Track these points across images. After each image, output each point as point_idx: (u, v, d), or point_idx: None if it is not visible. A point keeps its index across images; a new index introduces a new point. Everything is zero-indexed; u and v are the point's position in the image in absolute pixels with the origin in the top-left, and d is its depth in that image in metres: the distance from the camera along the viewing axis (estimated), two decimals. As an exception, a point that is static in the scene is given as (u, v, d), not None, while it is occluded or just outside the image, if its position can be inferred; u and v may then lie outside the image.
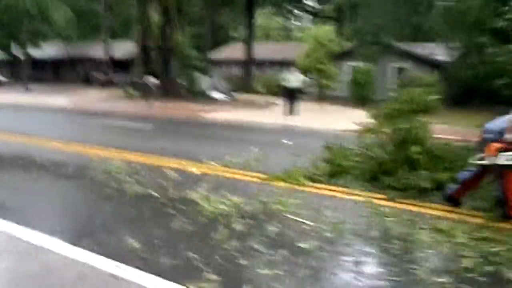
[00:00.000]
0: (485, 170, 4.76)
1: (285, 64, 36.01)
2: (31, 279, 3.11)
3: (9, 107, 17.83)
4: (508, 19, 21.09)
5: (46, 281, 3.08)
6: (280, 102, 23.47)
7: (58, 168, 6.66)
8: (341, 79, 28.12)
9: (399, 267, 3.49)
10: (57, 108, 18.28)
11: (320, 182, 5.92)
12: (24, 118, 14.43)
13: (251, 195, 5.21)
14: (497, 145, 4.46)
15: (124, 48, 37.16)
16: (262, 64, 37.25)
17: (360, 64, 26.30)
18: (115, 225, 4.19)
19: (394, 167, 5.61)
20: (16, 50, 36.73)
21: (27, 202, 5.01)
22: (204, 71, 28.85)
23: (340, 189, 5.64)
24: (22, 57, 33.85)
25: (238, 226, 4.18)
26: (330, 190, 5.62)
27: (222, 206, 4.72)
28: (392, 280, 3.30)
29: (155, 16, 27.03)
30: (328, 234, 4.08)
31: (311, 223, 4.31)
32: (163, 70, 24.86)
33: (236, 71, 37.05)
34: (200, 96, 24.95)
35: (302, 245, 3.81)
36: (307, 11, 51.97)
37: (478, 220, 4.55)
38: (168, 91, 24.53)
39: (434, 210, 4.88)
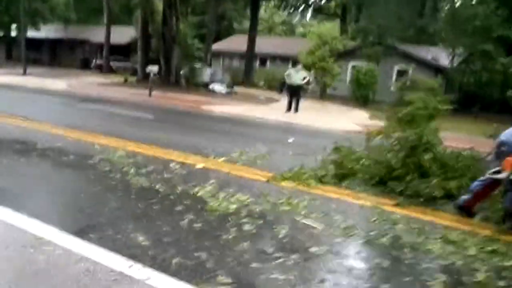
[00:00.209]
0: (497, 181, 4.70)
1: (286, 59, 36.03)
2: (36, 274, 3.02)
3: (7, 89, 17.63)
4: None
5: (51, 276, 2.99)
6: (281, 98, 23.44)
7: (59, 155, 6.54)
8: (343, 78, 28.11)
9: (411, 278, 3.43)
10: (56, 92, 18.10)
11: (328, 184, 5.86)
12: (23, 102, 14.26)
13: (259, 194, 5.14)
14: None
15: (124, 34, 36.91)
16: (263, 58, 37.15)
17: (362, 64, 26.21)
18: (121, 219, 4.09)
19: (404, 173, 5.55)
20: (14, 31, 36.42)
21: (27, 190, 4.90)
22: (205, 62, 28.70)
23: (348, 192, 5.59)
24: (20, 38, 33.52)
25: (247, 227, 4.11)
26: (338, 193, 5.56)
27: (230, 205, 4.64)
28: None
29: (158, 3, 26.84)
30: (338, 240, 4.01)
31: (321, 227, 4.25)
32: (165, 59, 24.66)
33: (237, 63, 36.93)
34: (201, 87, 24.84)
35: (313, 250, 3.74)
36: (310, 6, 51.82)
37: (488, 232, 4.50)
38: (169, 80, 24.40)
39: (444, 220, 4.83)
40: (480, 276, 3.51)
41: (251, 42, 34.22)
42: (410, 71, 26.73)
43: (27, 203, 4.37)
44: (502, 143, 4.68)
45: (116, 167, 5.99)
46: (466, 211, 4.93)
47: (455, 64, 25.73)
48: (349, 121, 15.89)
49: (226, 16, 47.31)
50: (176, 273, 3.15)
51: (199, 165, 6.48)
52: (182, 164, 6.46)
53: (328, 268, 3.47)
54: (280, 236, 3.99)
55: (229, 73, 30.49)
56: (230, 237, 3.86)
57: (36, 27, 35.89)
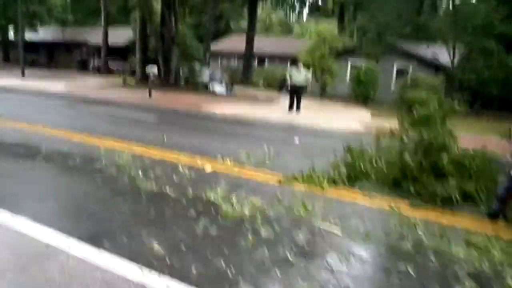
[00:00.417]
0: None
1: (285, 58, 35.89)
2: (51, 285, 2.89)
3: (7, 92, 17.44)
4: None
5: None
6: (281, 97, 23.31)
7: (64, 159, 6.39)
8: (342, 76, 28.01)
9: (439, 285, 3.31)
10: (56, 94, 17.90)
11: (341, 185, 5.73)
12: (23, 104, 14.09)
13: (272, 197, 5.01)
14: None
15: (121, 35, 36.68)
16: (261, 57, 36.99)
17: (362, 62, 26.10)
18: (134, 226, 3.96)
19: (419, 174, 5.42)
20: (12, 34, 36.20)
21: (35, 196, 4.76)
22: (204, 63, 28.53)
23: (362, 194, 5.45)
24: (17, 40, 33.28)
25: (264, 232, 3.98)
26: (352, 195, 5.43)
27: (244, 209, 4.51)
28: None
29: (156, 3, 26.67)
30: (359, 245, 3.88)
31: (339, 232, 4.11)
32: (163, 60, 24.48)
33: (235, 63, 36.77)
34: (200, 88, 24.67)
35: (335, 256, 3.61)
36: (305, 4, 51.83)
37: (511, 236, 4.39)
38: (168, 81, 24.22)
39: (464, 222, 4.70)
40: (511, 282, 3.40)
41: (249, 42, 34.03)
42: (410, 70, 26.63)
43: (37, 209, 4.23)
44: None
45: (124, 170, 5.85)
46: (499, 216, 4.80)
47: (455, 62, 25.64)
48: (351, 121, 15.76)
49: (223, 16, 47.21)
50: (196, 283, 3.02)
51: (208, 168, 6.34)
52: (190, 166, 6.32)
53: (352, 276, 3.35)
54: (300, 242, 3.86)
55: (227, 73, 30.35)
56: (248, 243, 3.73)
57: (33, 29, 35.63)
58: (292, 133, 11.52)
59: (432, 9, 36.17)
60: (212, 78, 26.23)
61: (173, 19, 24.29)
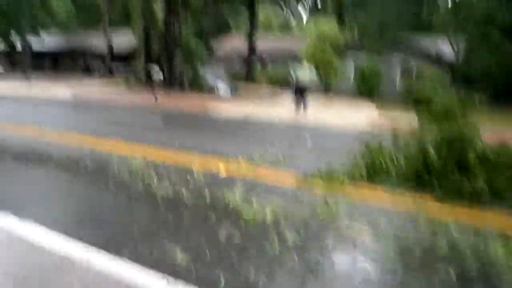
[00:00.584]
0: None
1: (286, 58, 35.70)
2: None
3: (13, 98, 17.37)
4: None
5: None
6: (286, 97, 23.13)
7: (76, 164, 6.23)
8: (345, 73, 27.83)
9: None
10: (62, 100, 17.82)
11: (362, 185, 5.54)
12: (30, 110, 13.96)
13: (293, 199, 4.83)
14: None
15: (124, 39, 36.56)
16: (263, 57, 36.81)
17: (365, 58, 25.92)
18: (154, 234, 3.78)
19: (444, 170, 5.23)
20: (16, 40, 36.16)
21: (51, 204, 4.63)
22: (207, 63, 28.39)
23: (385, 194, 5.25)
24: (21, 47, 33.24)
25: (292, 238, 3.79)
26: (375, 195, 5.23)
27: (266, 213, 4.33)
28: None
29: (158, 6, 26.52)
30: (394, 252, 3.68)
31: (371, 237, 3.92)
32: (167, 63, 24.31)
33: (237, 64, 36.59)
34: (205, 89, 24.51)
35: (371, 264, 3.42)
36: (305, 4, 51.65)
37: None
38: (172, 84, 24.06)
39: (497, 222, 4.49)
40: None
41: (251, 42, 33.86)
42: (413, 64, 26.40)
43: (52, 218, 4.07)
44: None
45: (137, 175, 5.69)
46: None
47: (459, 55, 25.43)
48: (359, 117, 15.56)
49: (224, 17, 47.02)
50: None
51: (223, 170, 6.17)
52: (205, 169, 6.15)
53: (392, 286, 3.16)
54: (330, 248, 3.68)
55: (229, 73, 30.17)
56: (275, 250, 3.55)
57: (36, 34, 35.61)
58: (302, 132, 11.37)
59: (432, 1, 35.87)
60: (216, 80, 26.09)
61: (176, 22, 24.13)
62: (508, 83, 21.94)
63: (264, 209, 4.42)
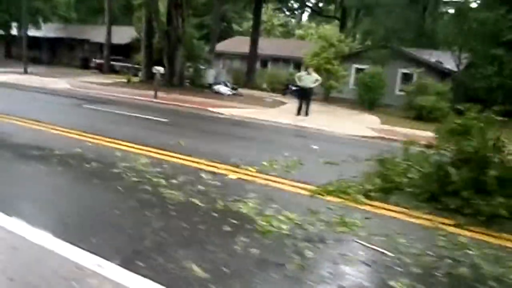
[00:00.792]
0: None
1: (287, 61, 35.61)
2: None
3: (10, 89, 17.08)
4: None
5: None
6: (287, 100, 23.00)
7: (80, 162, 6.05)
8: (346, 80, 27.71)
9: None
10: (60, 92, 17.57)
11: (375, 199, 5.39)
12: (28, 102, 13.72)
13: (307, 211, 4.68)
14: None
15: (124, 34, 36.33)
16: (264, 59, 36.69)
17: (366, 66, 25.81)
18: (168, 243, 3.61)
19: (460, 188, 5.09)
20: (14, 30, 35.83)
21: (55, 207, 4.45)
22: (209, 64, 28.21)
23: (401, 209, 5.11)
24: (20, 36, 32.89)
25: (310, 253, 3.65)
26: (390, 209, 5.09)
27: (281, 224, 4.19)
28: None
29: (162, 3, 26.32)
30: (414, 269, 3.54)
31: (390, 253, 3.79)
32: (168, 60, 24.09)
33: (238, 65, 36.44)
34: (206, 89, 24.34)
35: (393, 283, 3.28)
36: (306, 6, 51.64)
37: None
38: (173, 81, 23.85)
39: (517, 244, 4.39)
40: None
41: (253, 43, 33.67)
42: (415, 75, 26.30)
43: (59, 224, 3.91)
44: None
45: (144, 177, 5.52)
46: None
47: (461, 68, 25.40)
48: (362, 126, 15.46)
49: (226, 17, 46.88)
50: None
51: (232, 176, 6.01)
52: (213, 174, 5.99)
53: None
54: (351, 265, 3.52)
55: (231, 75, 30.02)
56: (294, 266, 3.40)
57: (36, 26, 35.26)
58: (306, 138, 11.23)
59: (436, 15, 35.92)
60: (216, 79, 25.92)
61: (179, 19, 23.93)
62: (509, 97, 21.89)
63: (278, 221, 4.28)
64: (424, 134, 12.26)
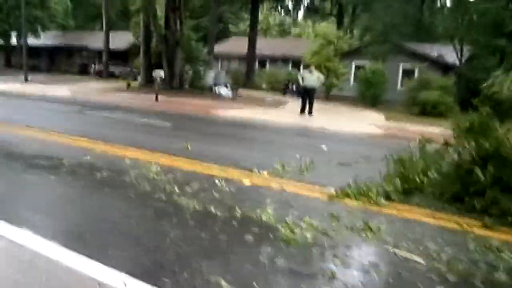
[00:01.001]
0: None
1: (286, 60, 35.43)
2: None
3: (12, 97, 16.95)
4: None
5: None
6: (288, 100, 22.84)
7: (89, 171, 5.88)
8: (348, 78, 27.59)
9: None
10: (62, 100, 17.43)
11: (396, 200, 5.23)
12: (31, 110, 13.56)
13: (328, 216, 4.50)
14: None
15: (122, 39, 36.23)
16: (263, 59, 36.52)
17: (366, 63, 25.66)
18: (191, 255, 3.44)
19: (485, 188, 4.92)
20: (13, 39, 35.74)
21: (68, 218, 4.29)
22: (208, 65, 28.07)
23: (424, 211, 4.95)
24: (19, 45, 32.80)
25: (338, 262, 3.47)
26: (413, 212, 4.92)
27: (305, 232, 4.01)
28: None
29: (160, 4, 26.15)
30: (450, 277, 3.37)
31: (422, 261, 3.61)
32: (168, 63, 23.93)
33: (236, 66, 36.29)
34: (206, 91, 24.19)
35: (430, 289, 3.12)
36: (300, 3, 51.51)
37: None
38: (172, 84, 23.71)
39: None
40: None
41: (251, 44, 33.52)
42: (417, 70, 26.16)
43: (75, 235, 3.73)
44: None
45: (157, 185, 5.36)
46: None
47: (463, 61, 25.26)
48: (366, 123, 15.32)
49: (223, 18, 46.72)
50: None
51: (246, 181, 5.84)
52: (227, 180, 5.82)
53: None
54: (383, 274, 3.36)
55: (230, 76, 29.88)
56: (327, 277, 3.23)
57: (35, 34, 35.17)
58: (312, 138, 11.09)
59: (435, 7, 35.74)
60: (216, 81, 25.77)
61: (177, 22, 23.78)
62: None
63: (301, 228, 4.11)
64: (431, 129, 12.14)
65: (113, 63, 35.44)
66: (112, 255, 3.35)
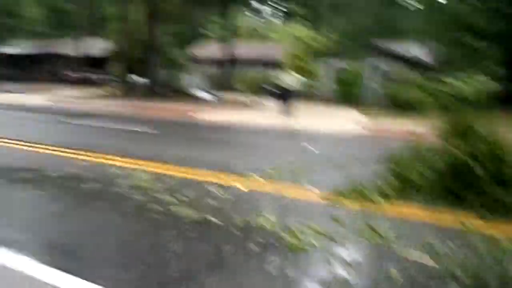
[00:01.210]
0: None
1: (263, 63, 35.38)
2: None
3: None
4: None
5: None
6: (268, 102, 22.76)
7: (77, 183, 5.67)
8: (324, 78, 27.70)
9: None
10: (39, 109, 16.98)
11: (395, 200, 5.17)
12: (8, 121, 13.16)
13: (331, 220, 4.42)
14: None
15: (96, 46, 35.68)
16: (240, 63, 36.39)
17: (343, 63, 25.84)
18: (198, 271, 3.28)
19: (483, 184, 4.90)
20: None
21: (64, 237, 4.07)
22: (188, 70, 27.87)
23: (425, 210, 4.88)
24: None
25: (350, 270, 3.36)
26: (414, 212, 4.86)
27: (311, 239, 3.91)
28: None
29: (134, 13, 25.85)
30: (467, 280, 3.29)
31: (436, 265, 3.53)
32: (147, 69, 23.63)
33: (213, 70, 36.08)
34: (187, 95, 23.98)
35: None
36: (279, 10, 51.67)
37: None
38: (152, 90, 23.41)
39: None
40: None
41: (229, 48, 33.46)
42: (393, 69, 26.40)
43: (69, 255, 3.53)
44: None
45: (150, 195, 5.18)
46: None
47: (435, 59, 25.65)
48: (348, 123, 15.32)
49: (200, 23, 46.42)
50: None
51: (241, 187, 5.72)
52: (221, 186, 5.68)
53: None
54: (395, 277, 3.27)
55: (209, 80, 29.65)
56: (339, 284, 3.13)
57: (8, 43, 34.36)
58: (298, 140, 10.99)
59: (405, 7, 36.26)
60: (196, 85, 25.59)
61: (155, 27, 23.53)
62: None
63: (305, 234, 4.00)
64: (413, 128, 12.18)
65: (89, 70, 34.85)
66: (113, 276, 3.17)
